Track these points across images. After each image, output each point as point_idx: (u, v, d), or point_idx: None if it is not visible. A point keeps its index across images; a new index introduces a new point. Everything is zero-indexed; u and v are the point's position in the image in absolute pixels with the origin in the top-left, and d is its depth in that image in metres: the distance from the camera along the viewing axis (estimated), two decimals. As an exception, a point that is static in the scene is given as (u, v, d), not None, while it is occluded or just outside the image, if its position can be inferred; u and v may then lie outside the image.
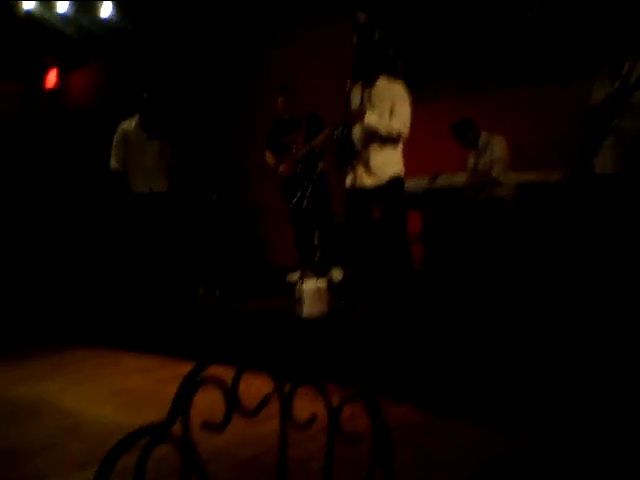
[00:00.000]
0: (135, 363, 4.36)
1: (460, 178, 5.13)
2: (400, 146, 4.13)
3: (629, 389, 2.51)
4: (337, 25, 6.01)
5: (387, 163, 4.07)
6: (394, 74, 4.28)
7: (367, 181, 4.09)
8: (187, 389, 1.16)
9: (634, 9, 3.76)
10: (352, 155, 4.11)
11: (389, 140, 4.03)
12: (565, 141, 4.40)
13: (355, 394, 1.36)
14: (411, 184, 5.41)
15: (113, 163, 5.63)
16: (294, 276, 4.98)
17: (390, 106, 4.00)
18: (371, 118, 3.98)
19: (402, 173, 4.14)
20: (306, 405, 1.35)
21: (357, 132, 4.09)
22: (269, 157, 5.69)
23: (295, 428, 1.33)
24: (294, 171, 5.39)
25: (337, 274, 5.32)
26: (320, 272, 5.22)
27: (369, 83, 4.09)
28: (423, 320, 3.68)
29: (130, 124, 5.67)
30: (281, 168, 5.52)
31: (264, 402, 1.23)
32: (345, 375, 1.41)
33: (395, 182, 4.09)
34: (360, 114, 3.99)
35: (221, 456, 2.43)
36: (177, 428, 1.15)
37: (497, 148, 4.92)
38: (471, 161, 5.11)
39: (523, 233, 4.68)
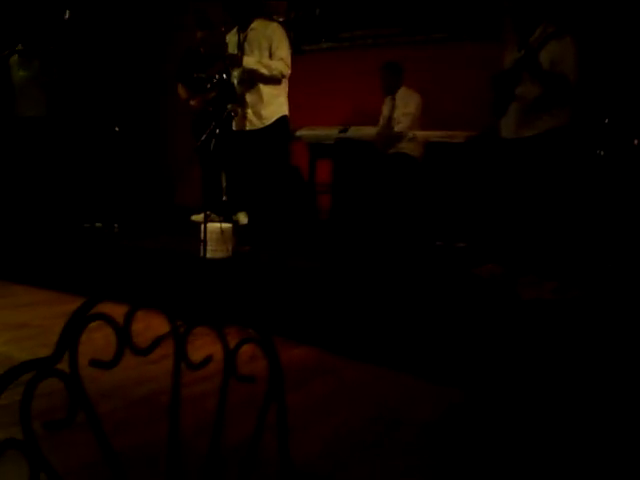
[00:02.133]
0: (29, 297, 4.15)
1: (369, 131, 5.17)
2: (285, 86, 4.12)
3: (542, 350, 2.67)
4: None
5: (272, 104, 4.06)
6: (269, 17, 4.28)
7: (255, 123, 4.08)
8: (75, 324, 1.12)
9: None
10: (234, 99, 4.09)
11: (272, 81, 4.01)
12: (476, 102, 4.49)
13: (253, 336, 1.37)
14: (322, 133, 5.43)
15: None
16: (199, 217, 4.88)
17: (268, 48, 3.98)
18: (249, 61, 3.95)
19: (287, 113, 4.15)
20: (207, 347, 1.35)
21: (237, 76, 4.06)
22: (181, 90, 5.50)
23: (191, 369, 1.32)
24: (205, 108, 5.24)
25: (243, 218, 5.28)
26: (226, 215, 5.17)
27: (244, 28, 4.05)
28: (327, 266, 3.75)
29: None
30: (192, 102, 5.37)
31: (157, 341, 1.21)
32: (247, 318, 1.41)
33: (281, 122, 4.10)
34: (238, 58, 3.96)
35: (114, 394, 2.41)
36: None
37: (412, 104, 4.96)
38: (385, 112, 5.14)
39: (428, 190, 4.82)
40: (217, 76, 4.15)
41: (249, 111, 4.07)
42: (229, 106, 4.94)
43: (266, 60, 3.97)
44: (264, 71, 3.95)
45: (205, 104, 5.24)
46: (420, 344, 2.85)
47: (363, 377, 2.77)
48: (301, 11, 6.27)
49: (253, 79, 4.00)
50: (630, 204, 3.68)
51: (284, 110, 4.11)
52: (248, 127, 4.10)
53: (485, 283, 3.23)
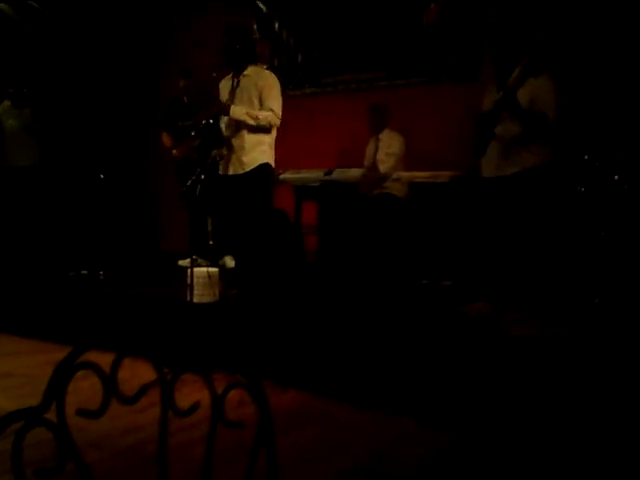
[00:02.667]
0: (12, 346, 4.10)
1: (354, 173, 5.24)
2: (272, 135, 4.10)
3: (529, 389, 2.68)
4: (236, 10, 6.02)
5: (253, 151, 4.02)
6: (262, 64, 4.34)
7: (237, 168, 4.07)
8: (62, 373, 1.12)
9: (525, 20, 3.99)
10: (220, 144, 4.12)
11: (260, 130, 4.01)
12: (459, 142, 4.55)
13: (241, 381, 1.36)
14: (307, 175, 5.50)
15: None
16: (186, 262, 4.89)
17: (258, 96, 3.98)
18: (237, 111, 3.96)
19: (271, 161, 4.11)
20: (194, 393, 1.34)
21: (225, 121, 4.08)
22: (166, 139, 5.57)
23: (179, 416, 1.32)
24: (189, 156, 5.30)
25: (229, 261, 5.29)
26: (212, 259, 5.17)
27: (238, 74, 4.07)
28: (314, 308, 3.75)
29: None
30: (175, 152, 5.45)
31: (144, 389, 1.21)
32: (235, 363, 1.41)
33: (262, 169, 4.05)
34: (225, 108, 3.98)
35: (102, 443, 2.37)
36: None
37: (396, 144, 5.08)
38: (369, 153, 5.23)
39: (413, 229, 4.87)
40: (204, 121, 4.18)
41: (233, 156, 4.08)
42: (214, 151, 5.01)
43: (254, 110, 3.97)
44: (251, 122, 3.95)
45: (189, 152, 5.31)
46: (411, 386, 2.84)
47: (354, 420, 2.75)
48: (284, 57, 6.42)
49: (240, 126, 4.02)
50: (612, 240, 3.73)
51: (266, 158, 4.06)
52: (231, 172, 4.10)
53: (473, 322, 3.24)
